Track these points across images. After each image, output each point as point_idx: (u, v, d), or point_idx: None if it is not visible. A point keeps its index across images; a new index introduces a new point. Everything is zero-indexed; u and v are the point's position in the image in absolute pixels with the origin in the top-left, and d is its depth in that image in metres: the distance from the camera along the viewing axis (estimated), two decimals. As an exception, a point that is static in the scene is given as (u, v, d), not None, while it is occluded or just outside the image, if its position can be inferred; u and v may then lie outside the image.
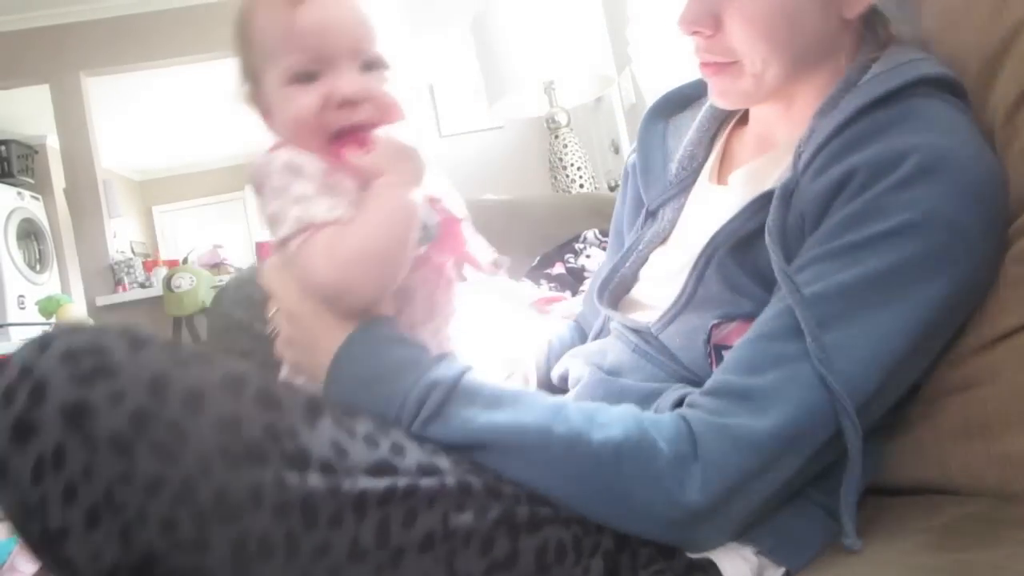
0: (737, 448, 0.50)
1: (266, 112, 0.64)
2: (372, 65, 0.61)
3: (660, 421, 0.53)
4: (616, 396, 0.62)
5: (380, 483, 0.48)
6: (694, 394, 0.55)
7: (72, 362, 0.43)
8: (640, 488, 0.51)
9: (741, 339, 0.57)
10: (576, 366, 0.75)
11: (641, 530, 0.53)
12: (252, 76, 0.64)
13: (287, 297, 0.62)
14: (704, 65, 0.67)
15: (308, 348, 0.60)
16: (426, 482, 0.50)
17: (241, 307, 0.92)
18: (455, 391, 0.54)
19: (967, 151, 0.55)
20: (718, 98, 0.69)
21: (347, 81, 0.59)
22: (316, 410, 0.49)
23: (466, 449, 0.54)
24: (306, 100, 0.59)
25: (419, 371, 0.55)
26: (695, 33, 0.65)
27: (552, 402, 0.55)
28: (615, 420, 0.53)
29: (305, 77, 0.60)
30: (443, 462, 0.52)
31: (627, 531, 0.54)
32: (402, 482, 0.49)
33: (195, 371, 0.45)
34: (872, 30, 0.66)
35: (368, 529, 0.46)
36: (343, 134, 0.60)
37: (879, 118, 0.57)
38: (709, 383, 0.55)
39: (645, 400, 0.61)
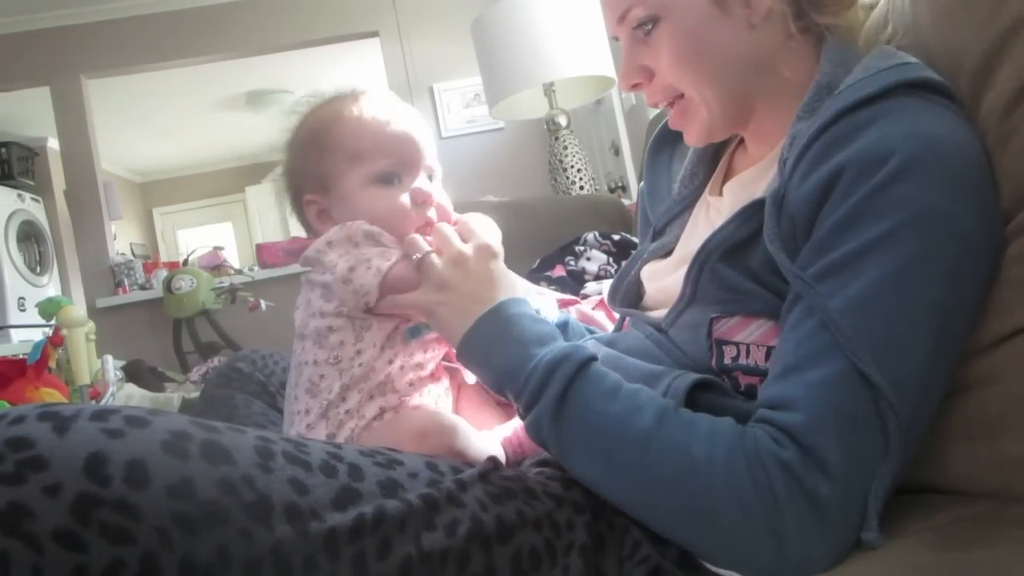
0: (820, 520, 0.50)
1: (322, 212, 0.76)
2: (432, 176, 0.77)
3: (750, 459, 0.52)
4: (621, 372, 0.64)
5: (347, 516, 0.47)
6: (770, 428, 0.54)
7: None
8: (729, 519, 0.51)
9: (771, 375, 0.56)
10: (591, 344, 0.78)
11: (722, 554, 0.53)
12: (320, 181, 0.76)
13: (458, 245, 0.68)
14: (672, 121, 0.74)
15: (459, 294, 0.66)
16: (392, 505, 0.49)
17: (223, 386, 0.98)
18: (584, 369, 0.59)
19: (950, 140, 0.55)
20: (689, 141, 0.75)
21: (425, 184, 0.75)
22: (267, 451, 0.47)
23: (569, 430, 0.57)
24: (398, 198, 0.73)
25: (555, 344, 0.62)
26: (635, 87, 0.72)
27: (660, 404, 0.57)
28: (716, 435, 0.54)
29: (387, 179, 0.74)
30: (400, 475, 0.52)
31: (703, 553, 0.54)
32: (368, 509, 0.48)
33: (131, 440, 0.42)
34: (811, 32, 0.67)
35: (344, 568, 0.45)
36: (423, 230, 0.73)
37: (859, 117, 0.57)
38: (770, 419, 0.54)
39: (645, 380, 0.63)
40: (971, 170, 0.55)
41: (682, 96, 0.70)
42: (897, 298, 0.52)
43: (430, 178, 0.77)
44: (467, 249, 0.68)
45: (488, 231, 0.72)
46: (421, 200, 0.73)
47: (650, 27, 0.67)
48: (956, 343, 0.55)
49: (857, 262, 0.53)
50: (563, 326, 0.88)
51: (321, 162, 0.75)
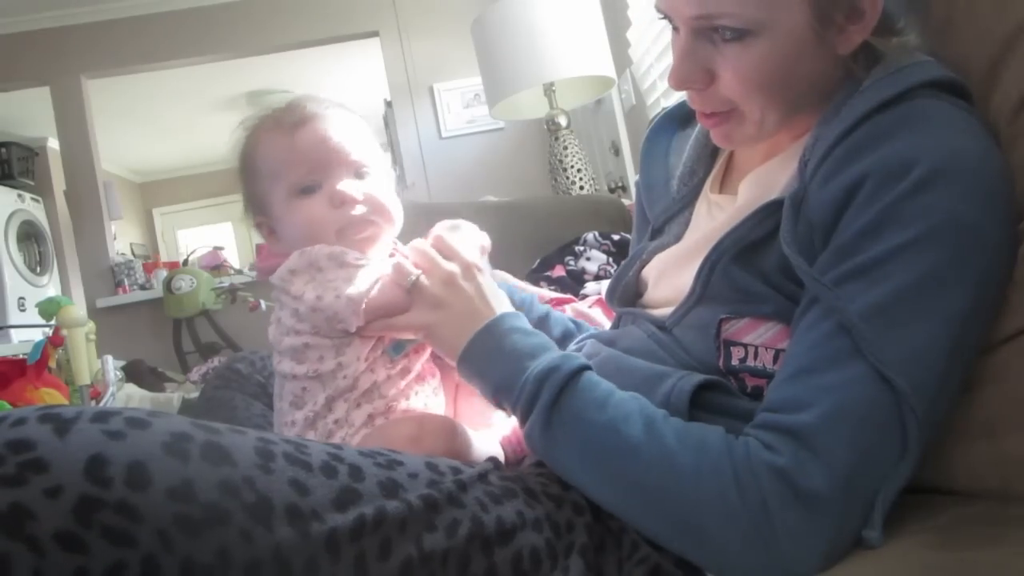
0: (815, 521, 0.50)
1: (271, 231, 0.78)
2: (361, 173, 0.75)
3: (744, 474, 0.52)
4: (624, 373, 0.64)
5: (348, 516, 0.47)
6: (768, 433, 0.53)
7: None
8: (715, 529, 0.51)
9: (780, 377, 0.56)
10: (592, 343, 0.78)
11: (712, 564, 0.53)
12: (259, 203, 0.78)
13: (445, 265, 0.69)
14: (703, 117, 0.68)
15: (455, 312, 0.67)
16: (392, 505, 0.49)
17: (221, 388, 0.99)
18: (575, 380, 0.60)
19: (974, 150, 0.55)
20: (721, 143, 0.71)
21: (345, 184, 0.73)
22: (267, 452, 0.47)
23: (560, 440, 0.58)
24: (316, 204, 0.73)
25: (547, 355, 0.62)
26: (687, 89, 0.66)
27: (650, 414, 0.57)
28: (705, 444, 0.54)
29: (308, 189, 0.73)
30: (400, 475, 0.52)
31: (695, 560, 0.54)
32: (369, 510, 0.48)
33: (132, 441, 0.42)
34: (865, 55, 0.65)
35: (345, 569, 0.46)
36: (347, 230, 0.73)
37: (882, 121, 0.57)
38: (772, 422, 0.54)
39: (649, 380, 0.62)
40: (995, 179, 0.55)
41: (733, 109, 0.65)
42: (921, 306, 0.52)
43: (361, 175, 0.75)
44: (454, 267, 0.69)
45: (468, 246, 0.72)
46: (340, 201, 0.72)
47: (730, 36, 0.60)
48: (973, 347, 0.55)
49: (881, 268, 0.53)
50: (544, 318, 0.88)
51: (254, 185, 0.78)
